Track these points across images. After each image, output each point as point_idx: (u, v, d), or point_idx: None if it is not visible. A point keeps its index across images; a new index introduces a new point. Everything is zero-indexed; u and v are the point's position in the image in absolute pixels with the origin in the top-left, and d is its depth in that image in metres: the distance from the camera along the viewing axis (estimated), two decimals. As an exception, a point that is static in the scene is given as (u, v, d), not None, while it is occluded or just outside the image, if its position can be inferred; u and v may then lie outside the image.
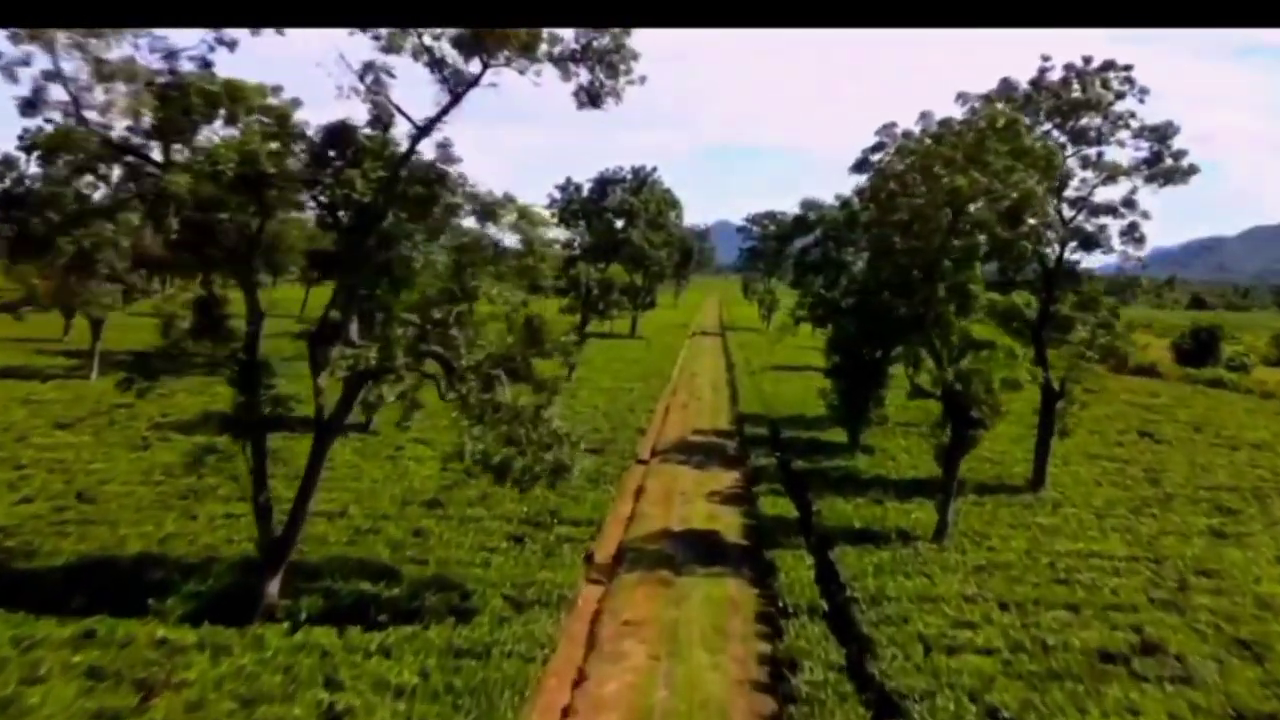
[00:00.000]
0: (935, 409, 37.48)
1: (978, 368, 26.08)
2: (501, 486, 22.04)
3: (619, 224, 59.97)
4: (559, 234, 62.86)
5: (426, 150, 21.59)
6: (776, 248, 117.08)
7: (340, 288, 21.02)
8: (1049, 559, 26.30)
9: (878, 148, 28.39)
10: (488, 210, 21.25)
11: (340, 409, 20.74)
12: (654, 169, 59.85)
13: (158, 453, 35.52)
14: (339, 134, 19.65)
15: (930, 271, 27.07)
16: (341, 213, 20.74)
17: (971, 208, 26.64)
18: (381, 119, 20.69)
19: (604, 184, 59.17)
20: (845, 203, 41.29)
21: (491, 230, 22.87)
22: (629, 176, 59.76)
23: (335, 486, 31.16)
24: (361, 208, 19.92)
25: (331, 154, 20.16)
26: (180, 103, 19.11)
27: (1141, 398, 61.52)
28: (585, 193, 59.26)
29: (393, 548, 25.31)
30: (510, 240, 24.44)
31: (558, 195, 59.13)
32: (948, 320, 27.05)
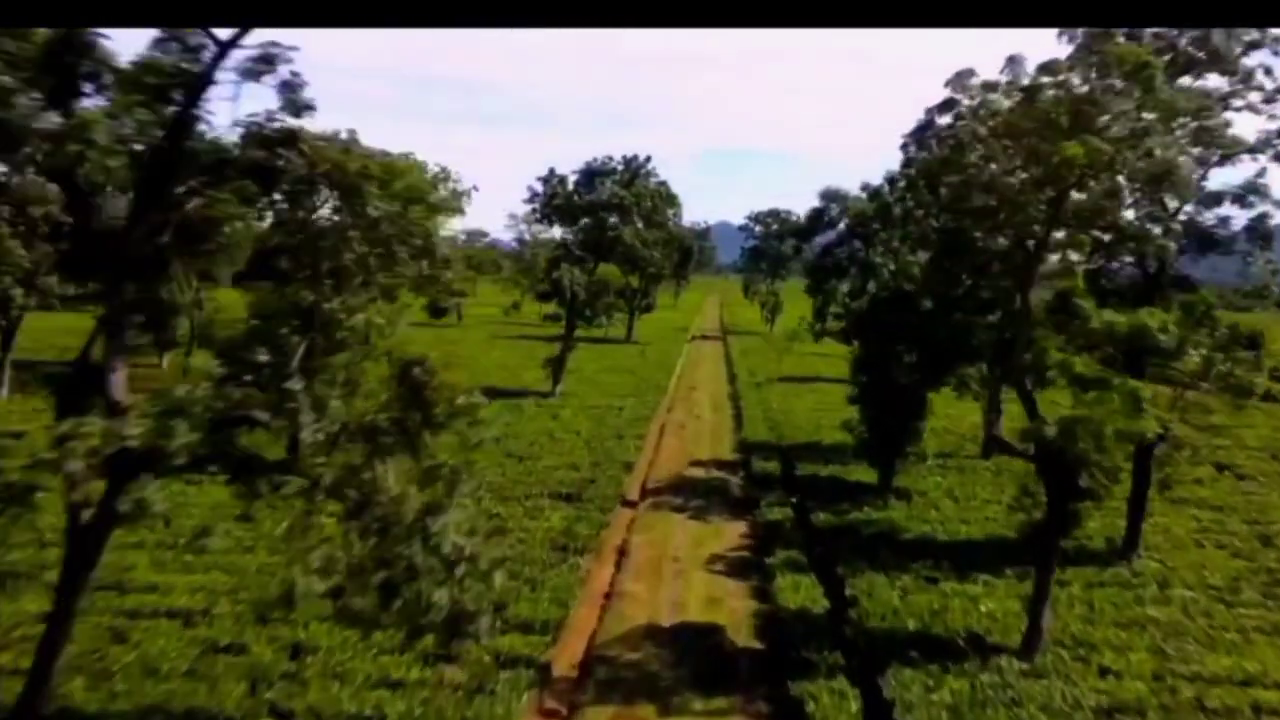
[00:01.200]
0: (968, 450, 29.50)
1: (1087, 416, 17.71)
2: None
3: (611, 220, 51.58)
4: (552, 232, 54.60)
5: (264, 97, 13.37)
6: (780, 248, 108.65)
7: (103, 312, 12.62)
8: (1193, 690, 17.92)
9: (946, 106, 20.20)
10: (353, 185, 12.95)
11: (99, 517, 12.31)
12: (647, 158, 51.70)
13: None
14: (66, 51, 11.22)
15: (1023, 278, 18.73)
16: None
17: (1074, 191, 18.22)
18: (178, 39, 12.34)
19: (591, 176, 50.84)
20: (875, 193, 32.90)
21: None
22: (619, 167, 51.43)
23: (214, 564, 22.81)
24: (137, 176, 11.59)
25: (85, 89, 11.79)
26: None
27: (1194, 415, 52.99)
28: (570, 186, 50.94)
29: (252, 680, 16.94)
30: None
31: (539, 189, 50.80)
32: (1042, 346, 18.63)
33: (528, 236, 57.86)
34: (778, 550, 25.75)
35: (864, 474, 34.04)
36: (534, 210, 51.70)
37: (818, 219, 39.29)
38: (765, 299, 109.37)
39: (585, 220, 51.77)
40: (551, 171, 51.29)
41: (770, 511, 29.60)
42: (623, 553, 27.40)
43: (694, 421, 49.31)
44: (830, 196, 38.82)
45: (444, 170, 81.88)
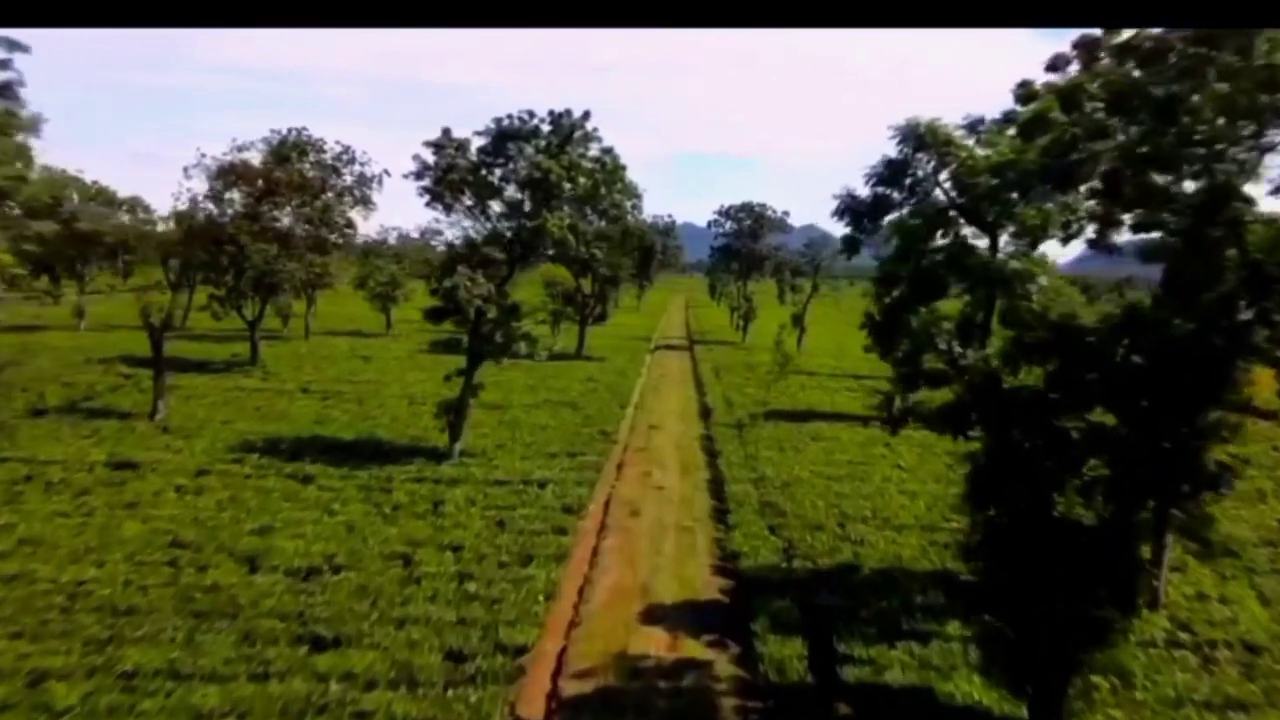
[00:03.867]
0: None
1: None
2: None
3: (530, 203, 33.48)
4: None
5: None
6: (755, 246, 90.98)
7: None
8: None
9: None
10: None
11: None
12: (585, 114, 33.19)
13: None
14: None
15: None
16: None
17: None
18: None
19: (502, 139, 32.79)
20: (1033, 120, 14.79)
21: None
22: (546, 127, 33.29)
23: None
24: None
25: None
26: None
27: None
28: (473, 154, 32.93)
29: None
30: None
31: (430, 159, 32.66)
32: None
33: (473, 233, 39.63)
34: None
35: (980, 690, 16.29)
36: (422, 191, 33.36)
37: (894, 181, 20.32)
38: (737, 304, 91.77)
39: (494, 203, 33.54)
40: (446, 133, 32.94)
41: None
42: None
43: (653, 496, 31.36)
44: (916, 138, 19.74)
45: (348, 151, 63.18)
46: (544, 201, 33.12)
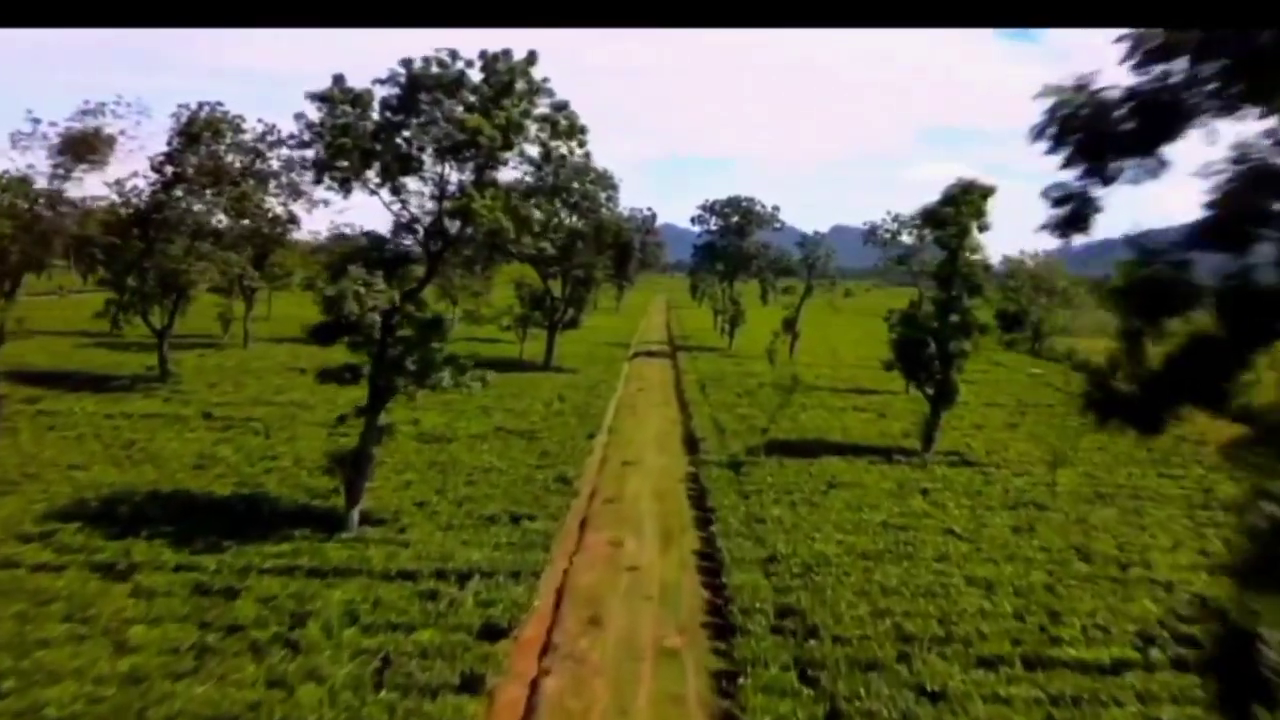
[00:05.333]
0: None
1: None
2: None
3: (456, 179, 23.71)
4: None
5: None
6: (742, 244, 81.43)
7: None
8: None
9: None
10: None
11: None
12: (529, 56, 23.29)
13: None
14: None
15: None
16: None
17: None
18: None
19: (414, 89, 22.94)
20: None
21: None
22: (477, 74, 23.42)
23: None
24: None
25: None
26: None
27: None
28: (376, 110, 23.16)
29: None
30: None
31: (315, 114, 22.94)
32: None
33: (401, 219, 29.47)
34: None
35: None
36: (308, 162, 23.42)
37: (1203, 50, 9.73)
38: (723, 307, 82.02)
39: (411, 180, 23.59)
40: (338, 82, 23.07)
41: None
42: None
43: (624, 585, 21.64)
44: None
45: (273, 131, 52.30)
46: (476, 176, 23.23)
